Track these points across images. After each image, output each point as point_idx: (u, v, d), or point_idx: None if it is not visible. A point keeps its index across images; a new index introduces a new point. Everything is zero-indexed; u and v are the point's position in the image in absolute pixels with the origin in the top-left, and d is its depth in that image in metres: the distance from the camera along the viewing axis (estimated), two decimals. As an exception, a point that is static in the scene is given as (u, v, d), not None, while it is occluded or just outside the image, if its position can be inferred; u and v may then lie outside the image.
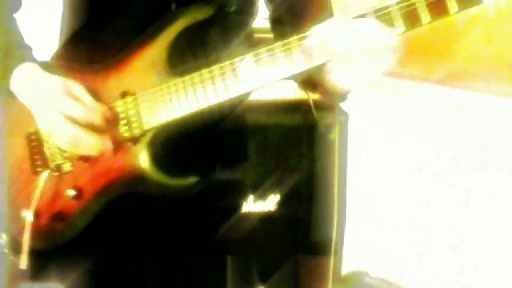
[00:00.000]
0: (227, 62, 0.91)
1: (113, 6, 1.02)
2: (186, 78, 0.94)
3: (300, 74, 0.89)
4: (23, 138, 1.03)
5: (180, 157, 1.00)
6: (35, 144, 1.02)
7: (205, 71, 0.92)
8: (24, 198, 1.01)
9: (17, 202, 1.03)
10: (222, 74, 0.91)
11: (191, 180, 0.98)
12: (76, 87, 0.95)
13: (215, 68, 0.91)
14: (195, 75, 0.93)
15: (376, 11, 0.83)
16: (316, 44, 0.85)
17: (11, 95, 0.99)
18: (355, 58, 0.82)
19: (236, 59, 0.90)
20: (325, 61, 0.85)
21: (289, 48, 0.86)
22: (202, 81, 0.92)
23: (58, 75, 0.97)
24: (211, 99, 0.92)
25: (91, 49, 1.02)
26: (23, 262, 0.99)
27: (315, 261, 1.92)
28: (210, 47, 1.01)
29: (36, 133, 1.01)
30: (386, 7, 0.82)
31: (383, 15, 0.82)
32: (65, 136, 0.93)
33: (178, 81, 0.94)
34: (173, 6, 0.98)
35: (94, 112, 0.93)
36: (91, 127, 0.92)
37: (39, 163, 1.02)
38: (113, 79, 0.98)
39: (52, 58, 1.07)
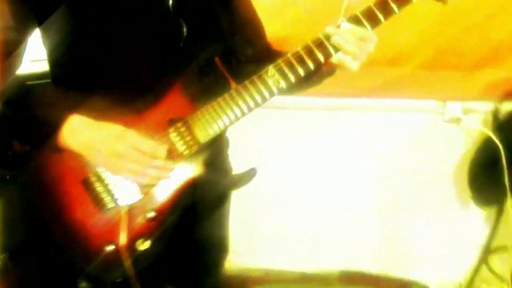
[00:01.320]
0: (256, 76, 1.08)
1: (129, 51, 1.12)
2: (225, 95, 1.09)
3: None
4: (77, 185, 1.11)
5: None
6: (95, 186, 1.11)
7: (240, 86, 1.09)
8: (100, 236, 1.11)
9: (94, 242, 1.12)
10: (256, 85, 1.08)
11: None
12: (122, 128, 1.07)
13: (247, 82, 1.08)
14: (232, 91, 1.08)
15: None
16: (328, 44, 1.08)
17: (56, 151, 1.08)
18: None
19: (262, 72, 1.08)
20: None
21: (309, 50, 1.07)
22: (240, 94, 1.08)
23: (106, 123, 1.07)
24: (251, 105, 1.09)
25: (121, 92, 1.11)
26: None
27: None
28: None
29: (96, 176, 1.11)
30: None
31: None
32: (126, 168, 1.07)
33: (219, 99, 1.10)
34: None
35: (142, 144, 1.07)
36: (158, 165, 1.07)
37: (107, 199, 1.11)
38: (156, 113, 1.11)
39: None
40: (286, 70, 1.06)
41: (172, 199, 1.13)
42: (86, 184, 1.12)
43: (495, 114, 2.24)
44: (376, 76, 2.14)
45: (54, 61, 1.17)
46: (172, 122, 1.11)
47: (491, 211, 2.32)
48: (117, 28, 1.10)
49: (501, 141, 2.08)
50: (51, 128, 1.08)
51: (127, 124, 1.08)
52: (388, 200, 2.55)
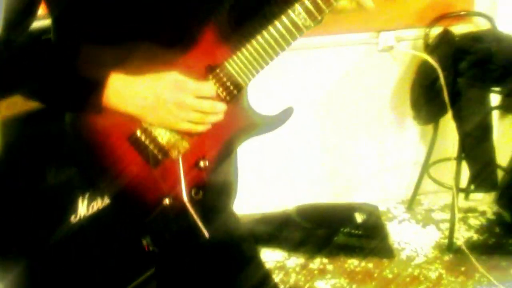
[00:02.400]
0: (284, 14, 1.05)
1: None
2: (258, 36, 1.06)
3: None
4: (124, 142, 1.07)
5: None
6: (143, 142, 1.07)
7: (270, 26, 1.06)
8: (156, 190, 1.09)
9: (152, 197, 1.10)
10: (285, 25, 1.05)
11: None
12: (179, 77, 1.03)
13: (277, 22, 1.05)
14: (264, 32, 1.06)
15: None
16: None
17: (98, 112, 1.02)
18: None
19: (290, 10, 1.05)
20: None
21: None
22: (272, 35, 1.06)
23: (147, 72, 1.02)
24: (282, 46, 1.07)
25: (151, 47, 1.06)
26: (206, 232, 1.08)
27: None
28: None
29: (143, 131, 1.07)
30: None
31: None
32: (186, 118, 1.04)
33: (253, 41, 1.06)
34: None
35: (203, 91, 1.04)
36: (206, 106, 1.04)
37: (158, 154, 1.08)
38: (191, 60, 1.06)
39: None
40: (312, 8, 1.06)
41: (219, 146, 1.12)
42: (134, 141, 1.07)
43: (426, 38, 2.43)
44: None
45: (75, 18, 1.06)
46: (210, 68, 1.07)
47: (428, 127, 2.55)
48: None
49: (436, 61, 2.27)
50: (88, 90, 1.00)
51: (168, 68, 1.02)
52: (332, 131, 2.69)
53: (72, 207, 1.68)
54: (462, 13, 2.47)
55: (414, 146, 2.72)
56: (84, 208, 1.72)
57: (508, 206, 2.59)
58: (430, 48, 2.39)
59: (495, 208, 2.68)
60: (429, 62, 2.29)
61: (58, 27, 1.08)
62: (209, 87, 1.05)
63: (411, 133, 2.70)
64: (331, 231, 2.49)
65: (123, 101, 1.02)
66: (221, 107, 1.06)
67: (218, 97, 1.07)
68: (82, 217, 1.70)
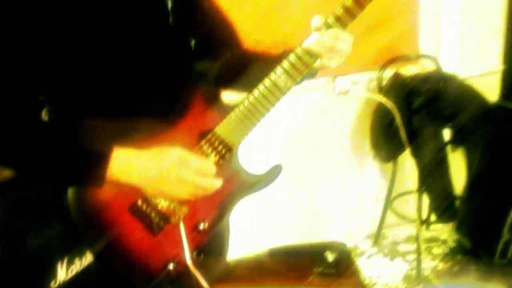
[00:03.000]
0: (266, 79, 1.12)
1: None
2: (243, 99, 1.12)
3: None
4: (125, 212, 1.11)
5: None
6: (144, 210, 1.11)
7: (254, 91, 1.13)
8: (158, 256, 1.13)
9: (155, 262, 1.13)
10: (266, 88, 1.13)
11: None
12: (182, 153, 1.08)
13: (260, 86, 1.12)
14: (249, 95, 1.12)
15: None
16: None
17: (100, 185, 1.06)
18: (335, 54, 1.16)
19: (271, 74, 1.13)
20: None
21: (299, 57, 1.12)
22: (256, 98, 1.13)
23: (148, 147, 1.07)
24: (268, 107, 1.15)
25: (147, 122, 1.12)
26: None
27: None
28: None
29: (144, 201, 1.11)
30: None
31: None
32: (190, 189, 1.10)
33: (240, 105, 1.13)
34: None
35: (204, 169, 1.10)
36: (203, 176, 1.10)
37: (160, 221, 1.12)
38: (183, 128, 1.12)
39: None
40: (291, 70, 1.14)
41: (219, 205, 1.18)
42: (135, 211, 1.11)
43: (379, 81, 2.58)
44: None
45: (69, 94, 1.09)
46: (202, 135, 1.14)
47: (389, 164, 2.69)
48: (131, 53, 1.09)
49: (391, 103, 2.42)
50: (93, 164, 1.04)
51: (161, 143, 1.08)
52: (297, 174, 2.77)
53: (51, 273, 1.67)
54: (410, 56, 2.66)
55: (376, 182, 2.84)
56: (63, 272, 1.71)
57: (467, 234, 2.74)
58: (384, 90, 2.54)
59: (455, 236, 2.82)
60: (384, 104, 2.44)
61: (56, 104, 1.11)
62: (210, 165, 1.12)
63: (372, 170, 2.83)
64: (305, 273, 2.54)
65: (127, 174, 1.06)
66: (219, 183, 1.12)
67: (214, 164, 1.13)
68: (61, 282, 1.69)
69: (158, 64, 1.13)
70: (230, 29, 1.29)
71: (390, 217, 2.77)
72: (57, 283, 1.62)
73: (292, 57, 1.12)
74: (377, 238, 2.82)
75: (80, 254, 1.66)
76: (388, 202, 2.72)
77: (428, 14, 2.68)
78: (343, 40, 1.16)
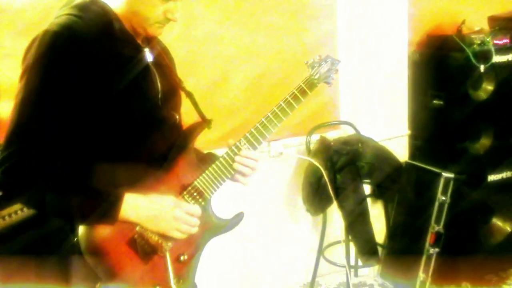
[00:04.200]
0: (234, 146, 1.55)
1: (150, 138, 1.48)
2: (217, 162, 1.53)
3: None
4: (124, 245, 1.39)
5: None
6: (139, 243, 1.40)
7: (221, 157, 1.52)
8: (149, 280, 1.41)
9: (145, 285, 1.40)
10: (232, 155, 1.54)
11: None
12: (176, 199, 1.43)
13: (227, 153, 1.54)
14: (221, 158, 1.52)
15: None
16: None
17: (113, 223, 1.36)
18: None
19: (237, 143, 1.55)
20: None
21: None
22: (226, 160, 1.53)
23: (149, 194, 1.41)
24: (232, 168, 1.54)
25: (146, 173, 1.44)
26: None
27: None
28: None
29: (138, 235, 1.40)
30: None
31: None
32: (180, 227, 1.44)
33: (214, 165, 1.52)
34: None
35: (193, 211, 1.46)
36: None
37: (149, 251, 1.41)
38: (171, 181, 1.48)
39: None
40: (252, 140, 1.56)
41: (196, 243, 1.50)
42: (131, 243, 1.39)
43: (308, 144, 2.98)
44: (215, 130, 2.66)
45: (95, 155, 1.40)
46: (183, 187, 1.48)
47: (319, 217, 3.04)
48: (137, 123, 1.43)
49: (319, 163, 2.80)
50: (108, 206, 1.34)
51: (158, 192, 1.41)
52: (236, 231, 3.05)
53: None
54: (332, 122, 3.09)
55: (309, 233, 3.18)
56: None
57: (389, 277, 3.12)
58: (312, 152, 2.93)
59: (380, 280, 3.18)
60: (313, 163, 2.82)
61: (72, 154, 1.38)
62: (197, 208, 1.47)
63: (305, 223, 3.16)
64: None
65: (136, 214, 1.37)
66: (198, 223, 1.46)
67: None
68: None
69: (154, 131, 1.47)
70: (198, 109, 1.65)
71: (323, 266, 3.08)
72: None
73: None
74: (312, 286, 3.11)
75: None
76: (320, 251, 3.04)
77: (346, 87, 3.15)
78: (257, 160, 1.58)
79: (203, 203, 1.50)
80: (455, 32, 2.98)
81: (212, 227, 1.54)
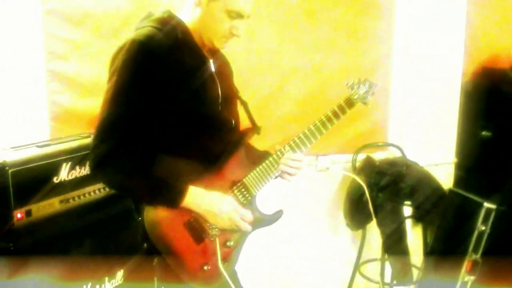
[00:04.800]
0: (279, 151, 1.78)
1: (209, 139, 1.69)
2: (264, 163, 1.75)
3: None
4: (181, 226, 1.62)
5: None
6: (196, 227, 1.62)
7: (268, 159, 1.73)
8: (200, 259, 1.63)
9: (196, 263, 1.62)
10: (277, 159, 1.76)
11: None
12: (230, 200, 1.67)
13: (273, 156, 1.77)
14: (267, 161, 1.73)
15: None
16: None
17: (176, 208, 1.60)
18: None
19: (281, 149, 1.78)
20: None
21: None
22: (271, 163, 1.76)
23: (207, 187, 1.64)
24: (271, 174, 1.77)
25: (205, 168, 1.67)
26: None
27: None
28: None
29: (194, 219, 1.62)
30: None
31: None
32: (233, 226, 1.67)
33: (260, 166, 1.73)
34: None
35: (245, 216, 1.69)
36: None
37: (204, 235, 1.65)
38: (224, 177, 1.71)
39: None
40: (294, 146, 1.77)
41: (241, 232, 1.71)
42: (187, 226, 1.62)
43: (354, 162, 3.11)
44: (268, 139, 2.83)
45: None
46: (234, 183, 1.71)
47: (358, 232, 3.15)
48: (199, 126, 1.66)
49: (362, 180, 2.92)
50: (176, 194, 1.59)
51: (211, 185, 1.64)
52: (280, 234, 3.19)
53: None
54: (380, 144, 3.20)
55: (347, 248, 3.29)
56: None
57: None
58: (357, 170, 3.06)
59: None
60: (357, 180, 2.94)
61: (147, 147, 1.61)
62: (250, 215, 1.69)
63: (344, 237, 3.28)
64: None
65: (196, 206, 1.61)
66: (250, 228, 1.68)
67: (238, 202, 1.69)
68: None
69: (213, 132, 1.69)
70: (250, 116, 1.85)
71: (358, 280, 3.19)
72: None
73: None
74: (346, 299, 3.22)
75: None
76: (357, 266, 3.15)
77: (396, 110, 3.26)
78: (300, 163, 1.80)
79: (249, 198, 1.72)
80: (509, 66, 3.04)
81: (255, 221, 1.73)
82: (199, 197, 1.61)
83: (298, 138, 1.76)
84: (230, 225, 1.65)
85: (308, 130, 1.76)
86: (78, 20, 2.62)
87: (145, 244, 1.66)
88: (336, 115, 1.79)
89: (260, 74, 2.99)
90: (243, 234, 1.73)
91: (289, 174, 1.79)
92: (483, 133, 3.09)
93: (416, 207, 3.02)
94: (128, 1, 2.66)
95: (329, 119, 1.78)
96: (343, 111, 1.79)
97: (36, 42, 2.60)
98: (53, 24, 2.60)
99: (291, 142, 1.76)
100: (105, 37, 2.63)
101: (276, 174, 1.77)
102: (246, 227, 1.68)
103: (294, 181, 3.11)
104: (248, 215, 1.69)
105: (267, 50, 2.98)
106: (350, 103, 1.81)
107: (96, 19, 2.64)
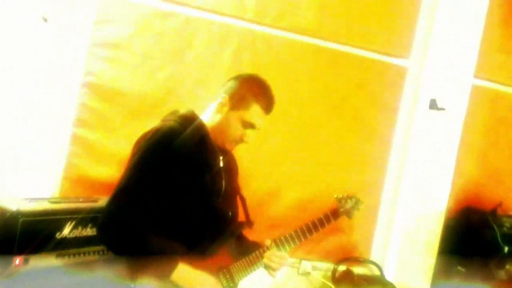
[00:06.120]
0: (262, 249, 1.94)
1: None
2: (250, 256, 1.95)
3: None
4: None
5: None
6: None
7: (256, 251, 1.93)
8: None
9: None
10: (262, 253, 1.94)
11: None
12: (214, 281, 1.84)
13: (260, 249, 1.93)
14: (253, 254, 1.93)
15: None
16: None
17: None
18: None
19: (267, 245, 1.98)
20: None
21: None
22: (256, 255, 1.92)
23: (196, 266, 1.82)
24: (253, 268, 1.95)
25: (197, 251, 1.84)
26: None
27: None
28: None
29: None
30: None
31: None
32: None
33: (246, 258, 1.94)
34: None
35: None
36: None
37: None
38: (213, 260, 1.88)
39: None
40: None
41: None
42: None
43: (334, 272, 3.26)
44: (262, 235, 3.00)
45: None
46: (220, 268, 1.88)
47: None
48: (201, 215, 1.88)
49: (338, 291, 3.06)
50: (165, 266, 1.76)
51: (200, 266, 1.80)
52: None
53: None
54: (360, 259, 3.37)
55: None
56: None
57: None
58: (336, 279, 3.20)
59: None
60: (334, 291, 3.09)
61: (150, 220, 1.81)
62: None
63: None
64: None
65: (183, 279, 1.77)
66: None
67: None
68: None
69: (211, 218, 1.90)
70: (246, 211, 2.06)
71: None
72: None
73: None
74: None
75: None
76: None
77: (381, 228, 3.44)
78: (284, 260, 1.99)
79: (232, 285, 1.89)
80: (490, 210, 3.28)
81: None
82: (186, 273, 1.77)
83: (284, 237, 1.97)
84: None
85: (294, 232, 1.98)
86: (111, 96, 2.93)
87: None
88: (321, 223, 2.01)
89: (262, 176, 3.21)
90: None
91: (271, 268, 1.96)
92: (459, 267, 3.26)
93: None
94: (159, 88, 2.98)
95: (314, 226, 2.00)
96: (328, 220, 2.03)
97: (68, 108, 2.88)
98: (87, 95, 2.90)
99: (277, 240, 1.96)
100: (132, 116, 2.92)
101: (260, 267, 1.95)
102: None
103: (277, 280, 3.32)
104: None
105: (271, 156, 3.23)
106: (335, 214, 2.05)
107: (127, 98, 2.94)
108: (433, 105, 3.38)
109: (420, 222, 3.40)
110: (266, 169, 3.23)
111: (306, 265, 3.30)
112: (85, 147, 2.90)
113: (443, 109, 3.38)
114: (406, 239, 3.41)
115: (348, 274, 3.21)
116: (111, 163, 2.84)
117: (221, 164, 1.96)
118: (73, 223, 2.33)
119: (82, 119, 2.90)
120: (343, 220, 3.20)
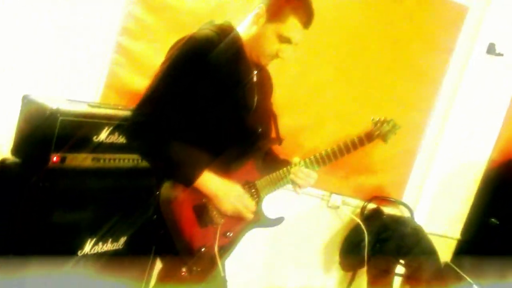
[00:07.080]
0: (289, 165, 1.95)
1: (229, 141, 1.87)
2: (276, 172, 1.93)
3: None
4: (190, 208, 1.81)
5: None
6: (203, 211, 1.80)
7: (284, 168, 1.93)
8: (199, 240, 1.81)
9: (196, 244, 1.80)
10: (290, 169, 1.93)
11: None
12: (241, 190, 1.83)
13: (287, 168, 1.93)
14: (280, 171, 1.92)
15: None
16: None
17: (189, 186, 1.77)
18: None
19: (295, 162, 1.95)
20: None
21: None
22: (284, 173, 1.93)
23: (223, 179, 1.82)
24: (280, 185, 1.94)
25: (223, 163, 1.84)
26: (222, 272, 1.83)
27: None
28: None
29: (204, 206, 1.81)
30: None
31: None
32: (236, 212, 1.84)
33: (273, 174, 1.93)
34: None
35: (249, 206, 1.86)
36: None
37: (208, 221, 1.83)
38: (239, 175, 1.89)
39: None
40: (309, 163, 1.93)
41: (242, 227, 1.89)
42: (196, 209, 1.80)
43: (363, 209, 3.25)
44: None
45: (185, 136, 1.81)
46: (246, 182, 1.88)
47: (348, 274, 3.27)
48: (228, 127, 1.86)
49: (365, 228, 3.06)
50: (192, 173, 1.76)
51: (226, 178, 1.81)
52: (273, 262, 3.35)
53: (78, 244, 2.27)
54: (392, 199, 3.33)
55: (334, 287, 3.41)
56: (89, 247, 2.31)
57: None
58: (364, 216, 3.20)
59: None
60: (361, 226, 3.08)
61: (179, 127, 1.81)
62: (253, 205, 1.86)
63: (334, 274, 3.40)
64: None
65: (206, 186, 1.77)
66: (251, 216, 1.86)
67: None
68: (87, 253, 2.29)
69: (240, 133, 1.88)
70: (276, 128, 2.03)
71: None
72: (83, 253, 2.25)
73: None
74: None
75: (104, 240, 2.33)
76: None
77: (417, 172, 3.39)
78: (311, 178, 1.94)
79: (257, 199, 1.90)
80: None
81: (257, 220, 1.91)
82: (211, 181, 1.77)
83: (314, 157, 1.90)
84: (233, 210, 1.81)
85: (325, 152, 1.90)
86: (158, 8, 2.88)
87: (155, 216, 1.84)
88: (354, 144, 1.90)
89: (303, 105, 3.15)
90: (243, 229, 1.90)
91: (297, 184, 1.93)
92: (492, 219, 3.18)
93: (408, 266, 3.13)
94: (207, 3, 2.91)
95: (346, 147, 1.89)
96: (361, 142, 1.90)
97: (114, 17, 2.86)
98: (135, 4, 2.86)
99: (306, 159, 1.91)
100: (177, 30, 2.87)
101: (287, 183, 1.93)
102: (248, 215, 1.83)
103: (304, 209, 3.35)
104: (252, 205, 1.84)
105: (312, 87, 3.15)
106: (370, 137, 1.91)
107: (174, 12, 2.89)
108: (491, 49, 3.19)
109: (459, 169, 3.31)
110: (306, 100, 3.16)
111: (336, 198, 3.30)
112: (128, 57, 2.90)
113: (501, 54, 3.19)
114: (441, 185, 3.35)
115: (377, 212, 3.20)
116: (150, 74, 2.82)
117: (255, 79, 1.91)
118: (110, 128, 2.36)
119: (128, 28, 2.88)
120: (379, 158, 3.24)
